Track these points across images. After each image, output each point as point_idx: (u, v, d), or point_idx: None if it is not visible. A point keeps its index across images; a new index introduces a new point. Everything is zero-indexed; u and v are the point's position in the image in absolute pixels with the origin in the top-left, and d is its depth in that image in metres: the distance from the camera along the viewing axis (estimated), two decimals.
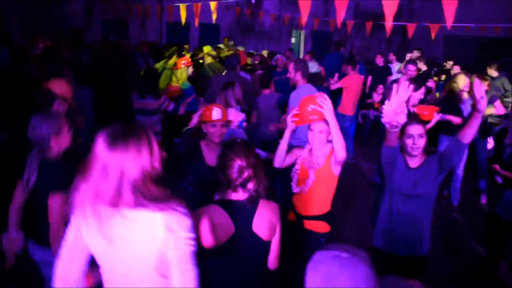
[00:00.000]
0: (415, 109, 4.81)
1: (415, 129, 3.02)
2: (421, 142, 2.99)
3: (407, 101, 4.87)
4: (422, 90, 5.10)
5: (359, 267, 1.29)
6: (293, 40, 14.29)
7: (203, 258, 2.08)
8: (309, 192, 3.13)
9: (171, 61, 7.10)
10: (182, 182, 3.58)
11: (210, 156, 3.29)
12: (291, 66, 4.67)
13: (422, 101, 5.32)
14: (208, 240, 2.06)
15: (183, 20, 8.16)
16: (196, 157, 3.33)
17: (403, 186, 3.01)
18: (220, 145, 3.25)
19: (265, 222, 2.17)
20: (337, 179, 3.15)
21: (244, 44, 13.09)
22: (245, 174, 2.11)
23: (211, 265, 2.12)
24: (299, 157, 3.24)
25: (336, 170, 3.10)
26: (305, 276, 1.35)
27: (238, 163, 2.11)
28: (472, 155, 5.72)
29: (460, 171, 5.48)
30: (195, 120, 3.43)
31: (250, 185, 2.12)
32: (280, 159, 3.21)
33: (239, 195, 2.14)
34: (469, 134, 2.78)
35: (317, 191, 3.13)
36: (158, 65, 7.39)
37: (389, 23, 4.48)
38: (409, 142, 3.00)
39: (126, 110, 4.97)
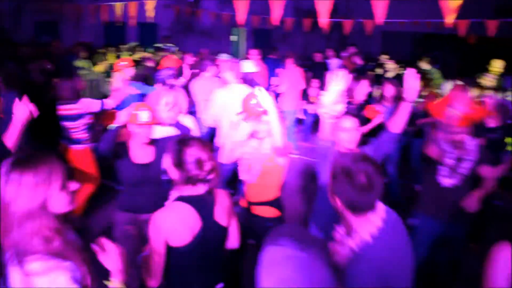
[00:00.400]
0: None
1: (350, 123, 3.07)
2: (355, 136, 3.05)
3: (350, 93, 4.96)
4: (367, 82, 5.15)
5: (316, 270, 1.19)
6: (234, 38, 14.27)
7: (173, 252, 2.14)
8: (257, 180, 3.31)
9: (99, 68, 6.88)
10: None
11: (137, 154, 3.34)
12: (223, 65, 4.75)
13: (370, 95, 5.40)
14: (180, 237, 2.10)
15: (117, 18, 7.93)
16: (122, 155, 3.32)
17: None
18: (155, 143, 3.37)
19: (223, 210, 2.28)
20: (283, 169, 3.32)
21: (184, 43, 12.91)
22: (207, 168, 2.15)
23: (180, 257, 2.16)
24: (247, 147, 3.38)
25: (281, 160, 3.25)
26: (258, 274, 1.27)
27: (197, 158, 2.14)
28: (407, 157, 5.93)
29: (392, 173, 5.62)
30: (121, 119, 3.35)
31: (212, 178, 2.19)
32: (226, 156, 3.33)
33: (198, 189, 2.18)
34: (397, 123, 2.85)
35: (264, 180, 3.29)
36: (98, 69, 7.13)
37: (323, 20, 4.58)
38: (343, 135, 3.05)
39: (52, 116, 4.77)
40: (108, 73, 7.31)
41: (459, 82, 6.12)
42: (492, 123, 4.61)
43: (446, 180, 3.45)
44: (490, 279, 1.80)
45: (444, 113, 3.42)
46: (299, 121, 8.30)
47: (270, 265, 1.23)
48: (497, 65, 7.59)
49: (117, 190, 3.62)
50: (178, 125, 3.63)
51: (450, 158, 3.43)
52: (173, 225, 2.10)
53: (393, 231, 1.86)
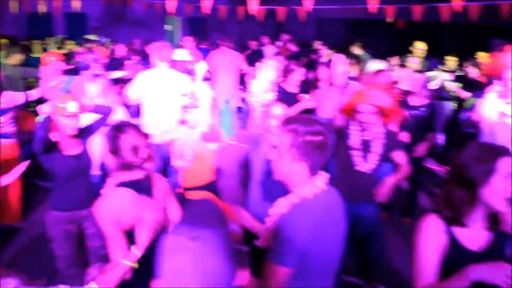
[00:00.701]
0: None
1: (280, 110, 3.11)
2: None
3: (285, 80, 4.98)
4: (303, 71, 5.16)
5: (208, 260, 1.16)
6: (168, 27, 13.99)
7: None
8: (190, 166, 3.44)
9: (13, 61, 6.51)
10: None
11: (67, 146, 3.28)
12: (151, 50, 4.70)
13: (307, 84, 5.41)
14: (131, 219, 2.12)
15: (41, 9, 7.52)
16: (53, 149, 3.23)
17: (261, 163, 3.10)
18: (81, 133, 3.32)
19: (161, 192, 2.36)
20: (213, 154, 3.46)
21: (116, 34, 12.49)
22: (143, 155, 2.19)
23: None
24: (178, 134, 3.48)
25: (212, 146, 3.40)
26: (156, 263, 1.24)
27: (133, 145, 2.17)
28: None
29: None
30: (45, 110, 3.24)
31: (148, 164, 2.23)
32: (157, 137, 3.50)
33: (136, 175, 2.22)
34: (325, 107, 2.92)
35: (196, 165, 3.43)
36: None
37: (253, 7, 4.57)
38: (273, 122, 3.08)
39: None
40: (30, 66, 6.94)
41: (383, 62, 6.35)
42: (415, 101, 4.82)
43: (359, 165, 3.41)
44: (419, 251, 1.84)
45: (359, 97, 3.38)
46: (239, 109, 8.32)
47: (165, 254, 1.21)
48: (419, 47, 7.95)
49: (47, 189, 3.46)
50: (97, 108, 3.54)
51: (358, 142, 3.41)
52: (122, 208, 2.12)
53: (333, 198, 1.94)
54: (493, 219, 1.85)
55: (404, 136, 4.41)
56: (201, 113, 3.19)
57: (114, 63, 7.07)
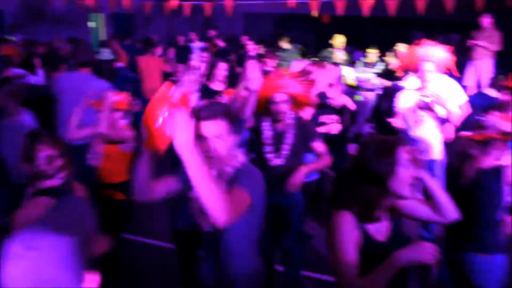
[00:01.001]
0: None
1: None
2: None
3: (209, 77, 4.93)
4: (225, 65, 5.10)
5: (41, 271, 1.08)
6: (92, 24, 13.48)
7: None
8: (101, 163, 3.48)
9: None
10: None
11: None
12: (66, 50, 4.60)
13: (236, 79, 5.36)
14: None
15: None
16: None
17: None
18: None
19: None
20: (125, 154, 3.47)
21: (36, 32, 11.84)
22: (57, 164, 2.15)
23: None
24: (95, 132, 3.43)
25: (124, 146, 3.44)
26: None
27: (46, 153, 2.13)
28: None
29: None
30: None
31: (63, 173, 2.18)
32: (71, 132, 3.40)
33: (53, 182, 2.18)
34: (246, 110, 2.92)
35: (108, 163, 3.46)
36: None
37: (173, 2, 4.51)
38: None
39: None
40: None
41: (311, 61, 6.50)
42: (333, 93, 4.96)
43: (272, 159, 3.34)
44: (339, 249, 1.82)
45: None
46: None
47: (2, 260, 1.12)
48: (339, 40, 8.21)
49: None
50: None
51: (270, 136, 3.38)
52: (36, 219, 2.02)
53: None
54: (391, 208, 1.93)
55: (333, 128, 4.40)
56: (118, 114, 3.17)
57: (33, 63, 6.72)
